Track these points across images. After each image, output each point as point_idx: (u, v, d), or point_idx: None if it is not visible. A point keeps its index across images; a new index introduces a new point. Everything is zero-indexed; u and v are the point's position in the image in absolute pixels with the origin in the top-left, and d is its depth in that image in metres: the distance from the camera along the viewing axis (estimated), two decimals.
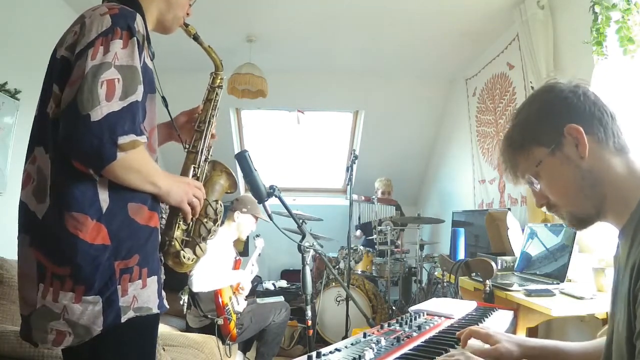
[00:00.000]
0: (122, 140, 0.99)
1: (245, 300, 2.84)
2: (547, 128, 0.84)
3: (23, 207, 1.10)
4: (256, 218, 2.92)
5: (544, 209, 2.64)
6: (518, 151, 0.88)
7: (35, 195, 1.07)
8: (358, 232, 4.78)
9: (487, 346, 0.97)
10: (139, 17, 1.10)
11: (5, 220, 2.54)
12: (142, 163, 1.06)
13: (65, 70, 1.05)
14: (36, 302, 1.02)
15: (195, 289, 2.56)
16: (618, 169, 0.81)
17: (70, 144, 0.99)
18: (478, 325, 1.18)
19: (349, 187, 3.31)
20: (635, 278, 0.70)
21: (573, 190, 0.83)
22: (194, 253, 1.28)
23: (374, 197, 4.37)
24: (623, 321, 0.72)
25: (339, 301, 3.69)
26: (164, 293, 1.17)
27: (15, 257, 1.78)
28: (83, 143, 0.97)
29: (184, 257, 1.25)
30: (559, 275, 2.12)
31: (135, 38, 1.06)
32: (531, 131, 0.86)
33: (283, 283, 4.86)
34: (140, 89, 1.06)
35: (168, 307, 1.17)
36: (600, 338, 0.98)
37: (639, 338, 0.66)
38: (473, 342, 1.00)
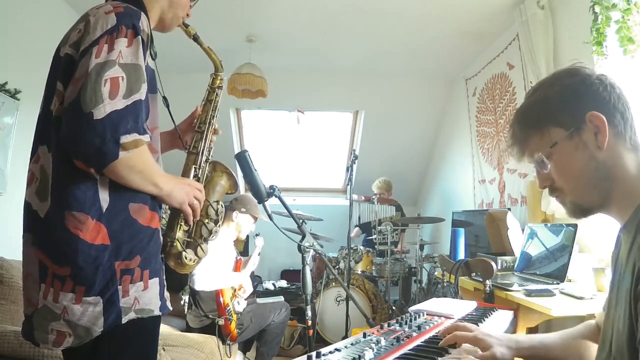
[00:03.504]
0: (125, 139, 0.98)
1: (246, 300, 2.84)
2: (569, 111, 0.82)
3: (27, 207, 1.10)
4: (255, 218, 2.92)
5: (544, 207, 2.62)
6: (532, 129, 0.86)
7: (38, 194, 1.07)
8: (355, 230, 4.77)
9: (477, 350, 0.91)
10: (143, 17, 1.10)
11: (6, 220, 2.55)
12: (144, 163, 1.06)
13: (70, 67, 1.04)
14: (38, 301, 1.02)
15: (197, 288, 2.56)
16: (630, 166, 0.80)
17: (72, 142, 0.98)
18: (477, 325, 1.18)
19: (349, 187, 3.31)
20: (636, 279, 0.70)
21: (583, 179, 0.82)
22: (196, 254, 1.28)
23: (373, 197, 4.37)
24: (624, 320, 0.71)
25: (339, 301, 3.69)
26: (167, 295, 1.16)
27: (16, 257, 1.79)
28: (85, 141, 0.96)
29: (186, 258, 1.25)
30: (559, 275, 2.12)
31: (140, 37, 1.06)
32: (551, 111, 0.83)
33: (283, 283, 4.86)
34: (145, 87, 1.05)
35: (171, 308, 1.16)
36: (585, 322, 0.99)
37: None
38: (464, 347, 0.93)
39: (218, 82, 1.42)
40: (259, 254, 3.01)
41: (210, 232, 1.31)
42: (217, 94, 1.41)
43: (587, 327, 0.98)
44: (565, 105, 0.82)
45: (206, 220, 1.30)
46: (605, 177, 0.80)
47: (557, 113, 0.83)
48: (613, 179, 0.80)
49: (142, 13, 1.10)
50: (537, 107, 0.86)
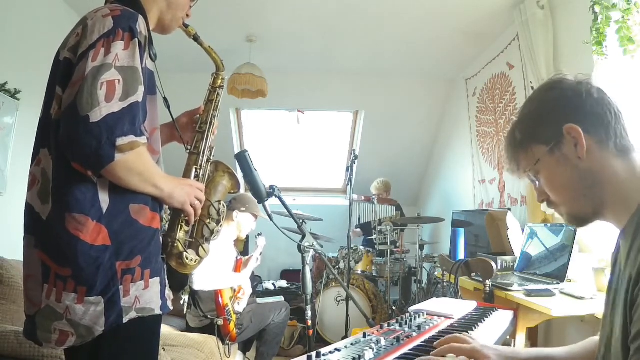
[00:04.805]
0: (121, 141, 0.99)
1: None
2: (547, 126, 0.83)
3: (28, 209, 1.10)
4: (255, 216, 2.92)
5: (544, 208, 2.63)
6: (518, 148, 0.88)
7: (40, 197, 1.07)
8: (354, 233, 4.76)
9: None
10: (141, 19, 1.10)
11: (6, 221, 2.55)
12: (144, 165, 1.06)
13: (68, 71, 1.05)
14: (41, 302, 1.03)
15: (196, 287, 2.56)
16: (619, 171, 0.79)
17: (69, 146, 0.99)
18: (474, 327, 1.18)
19: (349, 187, 3.31)
20: (633, 284, 0.70)
21: (570, 190, 0.83)
22: (197, 254, 1.28)
23: (373, 197, 4.37)
24: (620, 326, 0.72)
25: (339, 301, 3.68)
26: (168, 294, 1.17)
27: (16, 257, 1.79)
28: (81, 144, 0.97)
29: (187, 259, 1.25)
30: (559, 275, 2.12)
31: (136, 39, 1.06)
32: (531, 129, 0.86)
33: (283, 283, 4.86)
34: (141, 89, 1.06)
35: (172, 308, 1.17)
36: (589, 339, 0.97)
37: (633, 341, 0.66)
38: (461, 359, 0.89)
39: (219, 81, 1.43)
40: (260, 254, 3.01)
41: (212, 232, 1.31)
42: (218, 94, 1.42)
43: (594, 346, 0.96)
44: (542, 121, 0.85)
45: (208, 220, 1.31)
46: (592, 185, 0.80)
47: (536, 131, 0.85)
48: (602, 186, 0.80)
49: (140, 15, 1.11)
50: (519, 127, 0.89)
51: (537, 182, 0.87)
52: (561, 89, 0.84)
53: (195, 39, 1.37)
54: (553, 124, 0.82)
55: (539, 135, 0.84)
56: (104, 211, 1.04)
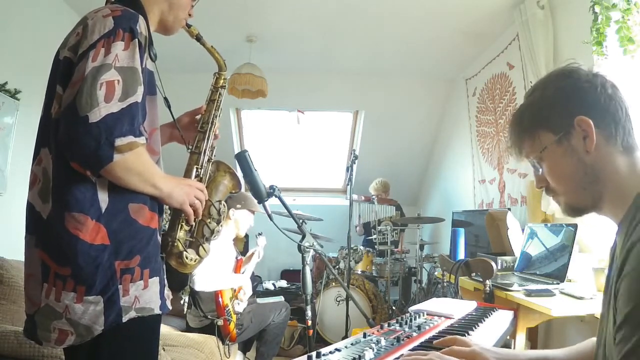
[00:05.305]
0: (120, 142, 0.99)
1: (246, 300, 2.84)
2: (558, 115, 0.82)
3: (29, 208, 1.11)
4: (252, 212, 2.91)
5: (544, 208, 2.63)
6: (525, 133, 0.87)
7: (41, 196, 1.08)
8: (358, 228, 4.77)
9: None
10: (141, 19, 1.10)
11: (6, 221, 2.55)
12: (143, 165, 1.06)
13: (69, 71, 1.05)
14: (41, 301, 1.03)
15: (197, 288, 2.56)
16: (621, 168, 0.79)
17: (68, 146, 1.00)
18: (474, 328, 1.18)
19: (349, 187, 3.32)
20: (617, 275, 0.70)
21: (572, 182, 0.83)
22: (197, 254, 1.29)
23: (373, 197, 4.37)
24: (612, 322, 0.72)
25: (339, 301, 3.69)
26: (167, 293, 1.17)
27: (16, 257, 1.79)
28: (81, 145, 0.97)
29: (187, 258, 1.25)
30: (559, 275, 2.12)
31: (137, 40, 1.06)
32: (541, 115, 0.84)
33: (283, 283, 4.85)
34: (141, 90, 1.06)
35: (171, 308, 1.17)
36: (587, 340, 0.98)
37: (619, 330, 0.67)
38: None
39: (221, 81, 1.43)
40: (260, 253, 3.00)
41: (212, 232, 1.31)
42: (220, 94, 1.42)
43: (592, 347, 0.96)
44: (554, 109, 0.83)
45: (208, 220, 1.31)
46: (594, 180, 0.80)
47: (547, 117, 0.84)
48: (603, 182, 0.80)
49: (140, 16, 1.11)
50: (529, 111, 0.87)
51: (540, 169, 0.87)
52: (576, 79, 0.82)
53: (198, 39, 1.37)
54: (565, 114, 0.81)
55: (548, 122, 0.83)
56: (103, 210, 1.04)
